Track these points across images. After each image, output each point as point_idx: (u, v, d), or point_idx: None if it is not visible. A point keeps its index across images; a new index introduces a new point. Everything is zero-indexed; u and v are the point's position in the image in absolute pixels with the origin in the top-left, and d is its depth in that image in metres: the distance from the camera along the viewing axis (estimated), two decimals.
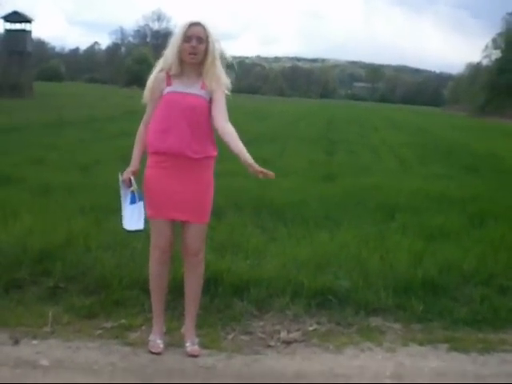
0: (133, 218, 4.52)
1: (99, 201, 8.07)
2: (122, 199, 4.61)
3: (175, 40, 4.42)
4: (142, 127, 4.64)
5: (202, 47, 4.39)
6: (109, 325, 4.96)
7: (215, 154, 4.59)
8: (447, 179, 13.02)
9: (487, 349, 4.97)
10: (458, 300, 5.77)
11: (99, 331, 4.87)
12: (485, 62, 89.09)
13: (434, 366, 4.63)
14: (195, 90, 4.45)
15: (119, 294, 5.33)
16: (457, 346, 4.98)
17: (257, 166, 4.27)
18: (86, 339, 4.74)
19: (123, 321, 5.02)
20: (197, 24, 4.40)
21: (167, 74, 4.48)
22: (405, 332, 5.23)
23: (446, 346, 5.00)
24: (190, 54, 4.39)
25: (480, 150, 21.97)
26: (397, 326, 5.33)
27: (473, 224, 8.30)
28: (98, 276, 5.54)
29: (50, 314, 5.02)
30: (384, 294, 5.62)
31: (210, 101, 4.48)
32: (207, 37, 4.41)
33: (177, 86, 4.46)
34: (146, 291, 4.99)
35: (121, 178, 4.59)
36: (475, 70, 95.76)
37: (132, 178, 4.56)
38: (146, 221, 4.60)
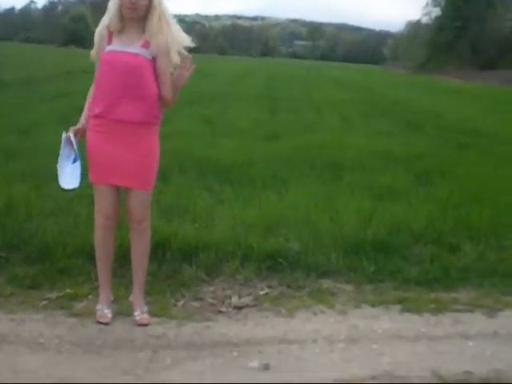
0: (72, 177, 4.29)
1: (40, 165, 7.75)
2: (62, 157, 4.34)
3: None
4: (92, 88, 4.39)
5: (142, 2, 4.14)
6: (54, 295, 4.75)
7: (158, 118, 4.38)
8: (391, 136, 13.04)
9: (439, 309, 4.96)
10: (409, 260, 5.77)
11: (44, 302, 4.65)
12: (424, 19, 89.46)
13: (386, 328, 4.59)
14: (134, 48, 4.19)
15: (64, 263, 5.11)
16: (409, 307, 4.95)
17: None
18: (30, 311, 4.53)
19: (68, 290, 4.81)
20: None
21: (108, 31, 4.23)
22: (356, 293, 5.17)
23: (398, 306, 4.97)
24: (127, 8, 4.14)
25: (422, 107, 22.09)
26: (348, 287, 5.27)
27: (420, 182, 8.33)
28: (41, 244, 5.30)
29: None
30: (334, 256, 5.58)
31: (154, 60, 4.24)
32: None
33: (116, 45, 4.20)
34: (91, 259, 4.79)
35: (64, 136, 4.32)
36: (415, 27, 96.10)
37: (72, 136, 4.31)
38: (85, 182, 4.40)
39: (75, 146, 4.29)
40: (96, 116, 4.24)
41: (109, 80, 4.18)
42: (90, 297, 4.77)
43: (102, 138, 4.24)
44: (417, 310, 4.91)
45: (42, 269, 5.08)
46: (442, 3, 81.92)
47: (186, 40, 4.37)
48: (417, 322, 4.74)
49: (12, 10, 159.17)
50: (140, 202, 4.37)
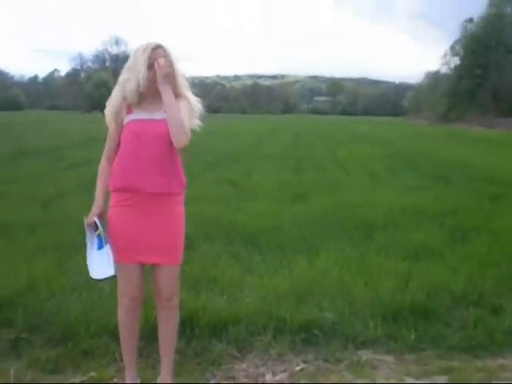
0: (102, 264, 4.02)
1: (62, 238, 7.57)
2: (88, 245, 4.11)
3: (135, 66, 3.97)
4: (103, 161, 4.18)
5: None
6: (77, 380, 4.46)
7: (184, 187, 4.15)
8: (420, 191, 12.84)
9: (488, 378, 4.63)
10: (451, 325, 5.46)
11: None
12: (443, 69, 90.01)
13: None
14: (159, 115, 4.00)
15: (87, 343, 4.84)
16: (456, 378, 4.62)
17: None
18: None
19: (93, 374, 4.53)
20: (158, 47, 3.97)
21: (126, 103, 4.04)
22: (398, 365, 4.85)
23: (443, 378, 4.64)
24: (155, 81, 3.95)
25: (447, 158, 21.91)
26: (389, 358, 4.95)
27: (454, 239, 8.07)
28: (64, 324, 5.06)
29: (12, 371, 4.52)
30: (372, 324, 5.29)
31: None
32: (170, 60, 3.99)
33: (138, 114, 4.01)
34: (116, 338, 4.51)
35: (86, 222, 4.10)
36: (434, 78, 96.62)
37: (97, 220, 4.09)
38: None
39: (100, 229, 4.05)
40: (119, 190, 4.02)
41: (135, 150, 3.97)
42: (115, 380, 4.48)
43: (126, 213, 4.01)
44: (464, 381, 4.58)
45: (65, 351, 4.80)
46: (461, 52, 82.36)
47: (199, 108, 4.17)
48: None
49: (35, 78, 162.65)
50: (170, 278, 4.14)
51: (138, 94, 3.97)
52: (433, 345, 5.13)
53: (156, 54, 3.93)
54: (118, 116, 4.04)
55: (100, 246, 4.02)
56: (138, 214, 3.99)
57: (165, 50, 3.97)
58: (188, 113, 4.04)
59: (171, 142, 3.94)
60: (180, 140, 3.88)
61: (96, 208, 4.10)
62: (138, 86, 3.94)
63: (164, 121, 3.95)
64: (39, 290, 5.70)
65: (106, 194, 4.12)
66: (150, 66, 3.93)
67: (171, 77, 3.94)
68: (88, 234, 4.07)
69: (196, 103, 4.15)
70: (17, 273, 6.03)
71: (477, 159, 21.64)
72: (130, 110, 4.03)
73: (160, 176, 3.97)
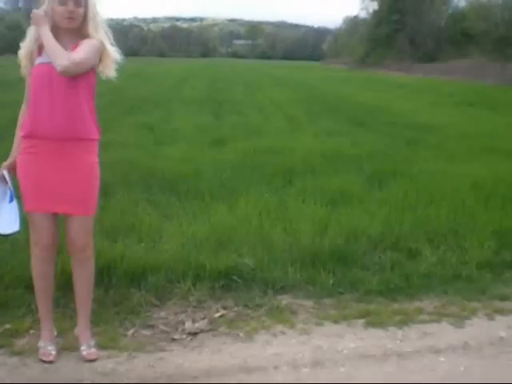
0: (10, 219, 3.88)
1: None
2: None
3: (48, 2, 3.79)
4: (23, 107, 3.98)
5: (80, 10, 3.79)
6: None
7: (97, 136, 3.99)
8: (338, 136, 12.93)
9: (405, 321, 4.73)
10: (369, 268, 5.55)
11: None
12: (362, 14, 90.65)
13: (352, 347, 4.31)
14: None
15: (1, 295, 4.67)
16: (373, 321, 4.70)
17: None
18: None
19: (8, 325, 4.39)
20: None
21: (38, 43, 3.84)
22: (317, 309, 4.90)
23: (361, 321, 4.71)
24: (66, 18, 3.78)
25: (365, 103, 22.17)
26: (308, 302, 4.99)
27: (372, 184, 8.15)
28: None
29: None
30: (291, 270, 5.32)
31: (90, 70, 3.87)
32: None
33: (46, 57, 3.80)
34: (31, 289, 4.33)
35: None
36: (353, 23, 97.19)
37: (6, 173, 3.91)
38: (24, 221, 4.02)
39: (10, 184, 3.89)
40: (26, 136, 3.84)
41: (38, 94, 3.80)
42: (31, 331, 4.35)
43: (34, 161, 3.84)
44: (381, 324, 4.66)
45: None
46: None
47: (117, 56, 4.01)
48: (383, 337, 4.48)
49: None
50: (82, 229, 4.00)
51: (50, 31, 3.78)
52: (351, 289, 5.20)
53: None
54: (31, 58, 3.86)
55: (11, 199, 3.88)
56: (46, 162, 3.83)
57: None
58: (91, 50, 3.82)
59: (75, 87, 3.79)
60: (60, 68, 3.66)
61: (9, 159, 3.94)
62: (50, 23, 3.76)
63: None
64: None
65: None
66: (63, 2, 3.74)
67: (40, 17, 3.76)
68: None
69: (111, 48, 3.98)
70: None
71: (394, 104, 21.96)
72: (40, 52, 3.84)
73: (66, 122, 3.79)
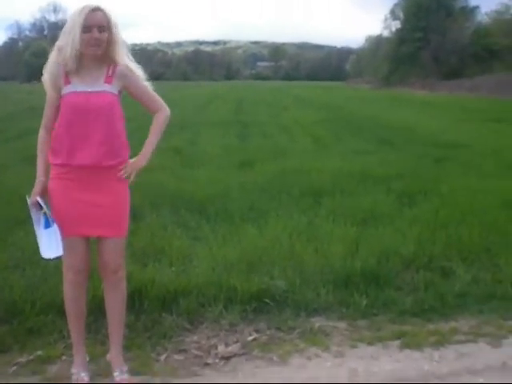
0: (51, 244, 3.86)
1: (3, 213, 7.32)
2: (35, 225, 3.94)
3: (71, 30, 3.77)
4: (42, 133, 3.97)
5: (104, 36, 3.80)
6: (24, 359, 4.29)
7: (126, 159, 3.99)
8: (365, 155, 12.90)
9: (441, 342, 4.65)
10: (402, 289, 5.48)
11: (13, 368, 4.20)
12: (385, 33, 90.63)
13: (388, 369, 4.24)
14: (100, 86, 3.83)
15: (33, 321, 4.65)
16: (408, 342, 4.62)
17: (130, 170, 3.97)
18: None
19: (40, 352, 4.36)
20: (97, 10, 3.76)
21: (64, 70, 3.84)
22: (351, 331, 4.83)
23: (396, 343, 4.63)
24: (92, 46, 3.79)
25: (391, 122, 22.08)
26: (341, 324, 4.92)
27: (402, 203, 8.10)
28: (7, 301, 4.85)
29: None
30: (324, 291, 5.26)
31: (119, 93, 3.90)
32: (109, 24, 3.81)
33: (77, 85, 3.81)
34: (63, 314, 4.32)
35: (29, 201, 3.92)
36: (376, 42, 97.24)
37: (40, 200, 3.91)
38: None
39: (45, 209, 3.88)
40: (59, 165, 3.86)
41: (73, 123, 3.79)
42: (63, 357, 4.33)
43: (68, 186, 3.85)
44: (417, 346, 4.58)
45: (10, 329, 4.61)
46: (401, 15, 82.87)
47: (141, 71, 4.05)
48: (419, 359, 4.40)
49: None
50: (115, 251, 4.00)
51: (75, 59, 3.78)
52: (384, 310, 5.13)
53: (94, 17, 3.75)
54: (55, 83, 3.85)
55: (47, 225, 3.87)
56: (78, 187, 3.84)
57: (105, 13, 3.79)
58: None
59: (110, 114, 3.83)
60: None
61: (37, 185, 3.92)
62: (75, 50, 3.76)
63: (103, 92, 3.83)
64: None
65: (49, 166, 3.96)
66: (87, 30, 3.74)
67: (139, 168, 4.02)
68: (33, 212, 3.90)
69: (137, 69, 4.01)
70: None
71: (420, 123, 21.84)
72: (67, 80, 3.82)
73: (99, 149, 3.80)
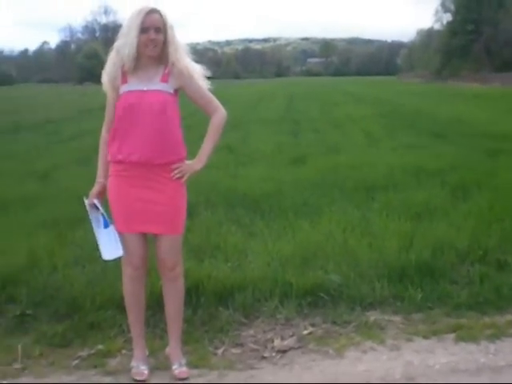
0: (110, 244, 3.97)
1: (61, 212, 7.49)
2: (94, 225, 4.06)
3: (129, 31, 3.88)
4: (103, 133, 4.09)
5: (160, 37, 3.89)
6: (85, 353, 4.43)
7: (183, 157, 4.09)
8: (419, 149, 12.80)
9: (497, 335, 4.62)
10: (457, 282, 5.46)
11: (75, 361, 4.34)
12: (436, 26, 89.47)
13: (444, 362, 4.24)
14: (155, 85, 3.93)
15: (93, 316, 4.80)
16: (464, 335, 4.61)
17: (185, 171, 4.05)
18: (61, 372, 4.21)
19: (100, 346, 4.50)
20: (153, 12, 3.88)
21: (122, 70, 3.96)
22: (406, 325, 4.85)
23: (452, 336, 4.63)
24: (149, 46, 3.88)
25: (443, 115, 21.81)
26: (397, 318, 4.94)
27: (456, 196, 8.04)
28: (69, 298, 5.01)
29: (19, 347, 4.48)
30: (378, 285, 5.27)
31: (176, 93, 4.00)
32: (165, 25, 3.91)
33: (133, 84, 3.93)
34: (122, 310, 4.46)
35: (86, 202, 4.04)
36: (427, 35, 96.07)
37: (96, 201, 4.02)
38: None
39: (102, 210, 4.00)
40: (117, 162, 3.97)
41: (128, 121, 3.91)
42: (123, 351, 4.46)
43: (125, 183, 3.97)
44: (473, 338, 4.57)
45: (72, 324, 4.76)
46: (452, 8, 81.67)
47: (201, 70, 4.13)
48: (475, 352, 4.39)
49: (26, 52, 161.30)
50: (171, 248, 4.09)
51: (133, 59, 3.89)
52: (440, 303, 5.13)
53: (151, 19, 3.85)
54: (114, 83, 3.97)
55: (105, 226, 3.98)
56: (137, 184, 3.95)
57: (161, 15, 3.89)
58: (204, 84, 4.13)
59: (163, 113, 3.92)
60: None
61: (95, 187, 4.06)
62: (133, 51, 3.87)
63: (159, 91, 3.93)
64: (42, 265, 5.63)
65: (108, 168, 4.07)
66: (144, 30, 3.85)
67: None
68: (91, 213, 4.02)
69: (196, 66, 4.11)
70: (18, 249, 5.96)
71: (473, 115, 21.57)
72: (125, 80, 3.95)
73: (159, 148, 3.92)
